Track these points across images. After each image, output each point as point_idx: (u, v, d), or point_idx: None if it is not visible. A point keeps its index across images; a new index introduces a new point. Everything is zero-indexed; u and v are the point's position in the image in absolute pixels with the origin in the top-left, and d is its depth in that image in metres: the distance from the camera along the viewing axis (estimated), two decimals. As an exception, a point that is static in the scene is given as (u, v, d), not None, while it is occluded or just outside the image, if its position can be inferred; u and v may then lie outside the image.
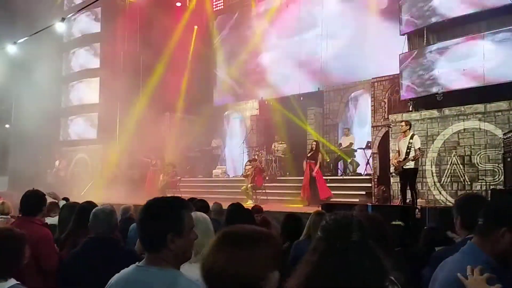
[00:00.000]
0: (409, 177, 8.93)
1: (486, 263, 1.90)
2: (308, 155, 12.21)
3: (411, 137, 8.89)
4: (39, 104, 15.92)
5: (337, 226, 1.68)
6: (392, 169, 9.60)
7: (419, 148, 8.88)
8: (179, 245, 1.86)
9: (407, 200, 9.17)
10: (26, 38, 12.33)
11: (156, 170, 15.44)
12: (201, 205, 4.99)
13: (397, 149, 9.24)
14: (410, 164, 8.83)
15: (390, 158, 9.86)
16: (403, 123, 9.20)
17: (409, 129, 9.12)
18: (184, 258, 1.94)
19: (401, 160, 8.91)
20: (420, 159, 9.19)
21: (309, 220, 4.48)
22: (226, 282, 1.36)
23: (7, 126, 19.09)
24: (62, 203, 5.27)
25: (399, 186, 9.34)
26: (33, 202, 4.16)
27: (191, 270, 1.93)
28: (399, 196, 9.49)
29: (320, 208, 7.59)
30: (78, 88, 18.73)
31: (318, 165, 11.91)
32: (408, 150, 8.78)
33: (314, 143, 12.43)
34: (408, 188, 9.09)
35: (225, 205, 5.34)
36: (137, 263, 1.94)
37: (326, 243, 1.63)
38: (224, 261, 1.38)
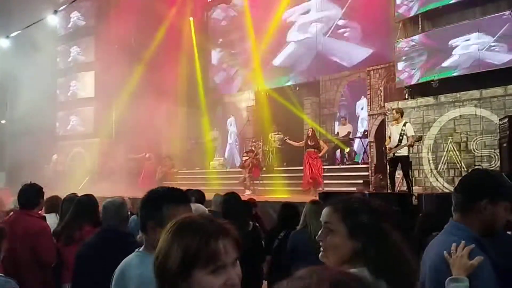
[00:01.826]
0: (402, 165, 8.86)
1: (470, 238, 1.90)
2: (311, 143, 12.02)
3: (404, 125, 8.81)
4: (34, 99, 15.84)
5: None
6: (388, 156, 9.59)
7: (420, 136, 8.86)
8: (160, 234, 1.90)
9: (404, 187, 9.20)
10: (19, 31, 12.24)
11: (151, 164, 15.43)
12: (197, 195, 4.99)
13: (388, 135, 9.12)
14: (402, 152, 8.75)
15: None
16: (394, 111, 9.13)
17: (401, 116, 9.04)
18: None
19: (392, 147, 8.83)
20: (414, 146, 9.18)
21: (304, 210, 4.47)
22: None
23: (3, 121, 19.01)
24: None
25: (388, 172, 9.24)
26: (31, 195, 4.18)
27: None
28: (400, 184, 9.48)
29: (316, 197, 7.61)
30: (73, 82, 18.64)
31: (324, 152, 11.88)
32: (401, 137, 8.71)
33: (310, 130, 12.34)
34: (402, 176, 9.09)
35: (223, 197, 5.36)
36: (137, 250, 2.05)
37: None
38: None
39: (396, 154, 8.77)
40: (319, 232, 1.73)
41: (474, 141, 9.47)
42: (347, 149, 13.40)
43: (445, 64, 10.36)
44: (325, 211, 1.74)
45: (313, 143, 11.85)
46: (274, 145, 14.66)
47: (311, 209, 4.25)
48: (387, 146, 9.03)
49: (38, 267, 3.83)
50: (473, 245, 1.85)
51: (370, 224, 1.65)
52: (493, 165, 9.08)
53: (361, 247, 1.62)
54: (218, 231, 1.26)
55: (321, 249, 1.71)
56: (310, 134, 12.01)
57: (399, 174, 9.30)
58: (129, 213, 3.59)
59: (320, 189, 11.08)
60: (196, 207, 2.98)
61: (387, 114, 10.93)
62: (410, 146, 8.78)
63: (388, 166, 9.30)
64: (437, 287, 1.93)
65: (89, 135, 17.53)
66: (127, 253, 2.08)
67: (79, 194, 4.61)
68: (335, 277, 0.79)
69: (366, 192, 8.77)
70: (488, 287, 1.81)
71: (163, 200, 1.95)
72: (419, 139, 9.10)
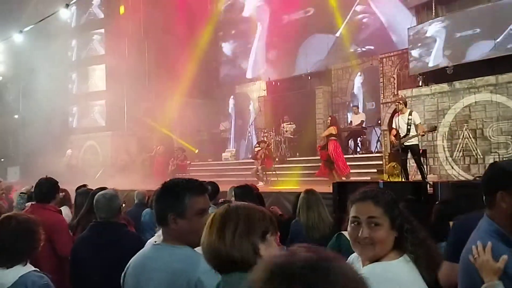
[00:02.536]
0: (413, 154, 8.79)
1: (493, 232, 1.95)
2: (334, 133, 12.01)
3: (410, 114, 8.73)
4: (46, 93, 15.97)
5: None
6: (394, 147, 9.50)
7: (434, 126, 8.75)
8: (182, 226, 1.92)
9: (418, 176, 9.10)
10: (31, 26, 12.30)
11: (162, 156, 15.47)
12: (211, 187, 4.95)
13: (394, 126, 9.04)
14: (413, 141, 8.69)
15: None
16: (397, 102, 9.01)
17: (405, 106, 8.95)
18: (190, 241, 1.93)
19: (401, 137, 8.75)
20: (429, 134, 9.07)
21: (300, 199, 4.44)
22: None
23: (16, 116, 19.19)
24: None
25: (401, 162, 9.16)
26: (46, 189, 4.21)
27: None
28: (415, 172, 9.38)
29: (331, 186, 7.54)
30: (84, 76, 18.74)
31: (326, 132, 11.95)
32: (408, 127, 8.64)
33: (330, 118, 12.29)
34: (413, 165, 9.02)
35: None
36: (154, 242, 2.06)
37: None
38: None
39: (406, 144, 8.68)
40: (363, 229, 1.74)
41: (490, 127, 9.31)
42: (361, 138, 13.29)
43: (459, 49, 10.18)
44: (365, 206, 1.77)
45: (337, 133, 11.91)
46: (286, 135, 14.61)
47: (302, 198, 4.27)
48: (393, 137, 8.91)
49: (55, 259, 3.86)
50: (490, 242, 1.89)
51: (402, 213, 1.78)
52: (510, 151, 8.93)
53: (398, 236, 1.74)
54: None
55: (366, 242, 1.74)
56: (330, 123, 12.08)
57: (413, 163, 9.20)
58: (123, 205, 3.61)
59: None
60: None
61: (400, 102, 10.79)
62: (422, 136, 8.70)
63: (400, 155, 9.22)
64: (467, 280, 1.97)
65: (101, 129, 17.64)
66: (121, 244, 2.10)
67: (93, 188, 4.62)
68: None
69: (381, 181, 8.69)
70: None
71: (185, 192, 1.93)
72: (434, 129, 8.98)
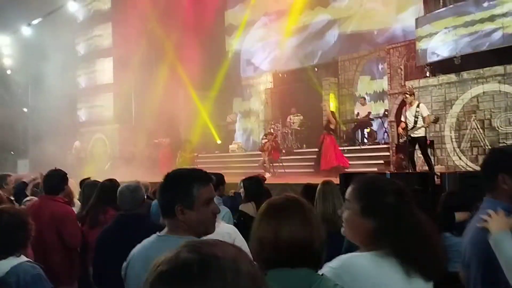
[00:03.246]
0: (420, 146, 8.79)
1: (505, 208, 1.97)
2: (332, 127, 12.26)
3: (418, 106, 8.72)
4: (55, 86, 16.06)
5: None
6: (401, 139, 9.51)
7: (437, 118, 8.74)
8: (190, 217, 1.88)
9: (425, 167, 9.08)
10: (40, 19, 12.35)
11: (167, 148, 15.53)
12: (216, 178, 4.98)
13: (402, 119, 9.07)
14: (420, 133, 8.67)
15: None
16: (406, 95, 8.99)
17: (414, 98, 8.94)
18: (200, 231, 1.93)
19: (409, 129, 8.75)
20: (436, 125, 9.04)
21: (317, 191, 4.40)
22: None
23: (25, 109, 19.33)
24: None
25: (408, 154, 9.17)
26: (55, 181, 4.25)
27: None
28: (423, 163, 9.37)
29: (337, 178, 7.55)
30: (92, 69, 18.81)
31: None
32: (416, 119, 8.62)
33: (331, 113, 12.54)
34: (421, 156, 9.02)
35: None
36: (157, 233, 1.98)
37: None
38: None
39: (412, 135, 8.67)
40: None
41: (498, 118, 9.24)
42: (368, 129, 13.26)
43: (467, 39, 10.09)
44: (348, 189, 1.76)
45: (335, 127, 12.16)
46: (293, 127, 14.61)
47: (319, 190, 4.16)
48: (401, 129, 8.93)
49: (64, 250, 3.92)
50: (500, 208, 1.96)
51: (387, 204, 1.61)
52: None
53: (377, 227, 1.59)
54: None
55: (341, 223, 1.74)
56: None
57: (420, 154, 9.19)
58: (145, 196, 3.61)
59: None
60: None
61: (408, 94, 10.75)
62: (426, 127, 8.69)
63: (408, 147, 9.22)
64: (480, 260, 1.99)
65: (109, 122, 17.73)
66: (145, 235, 2.05)
67: (101, 180, 4.67)
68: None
69: (388, 172, 8.68)
70: None
71: (192, 182, 1.90)
72: (436, 120, 8.97)
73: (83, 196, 4.61)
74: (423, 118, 8.59)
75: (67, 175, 4.43)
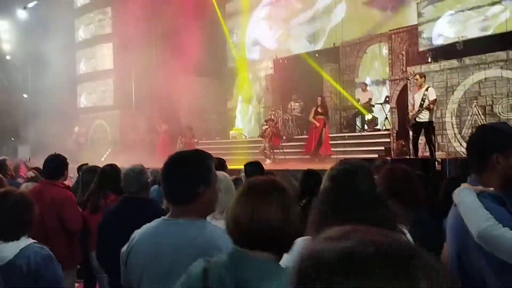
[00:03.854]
0: (425, 131, 8.72)
1: (485, 195, 1.86)
2: (320, 111, 12.31)
3: (426, 89, 8.63)
4: (55, 72, 15.99)
5: (345, 174, 1.70)
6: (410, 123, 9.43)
7: (434, 100, 8.67)
8: (208, 196, 1.87)
9: (426, 153, 9.07)
10: (36, 2, 12.22)
11: (165, 134, 15.49)
12: (218, 163, 4.97)
13: (412, 102, 9.00)
14: (424, 117, 8.60)
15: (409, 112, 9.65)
16: (417, 76, 8.90)
17: (424, 81, 8.86)
18: (211, 210, 1.95)
19: (414, 112, 8.70)
20: (438, 111, 9.01)
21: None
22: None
23: (25, 95, 19.28)
24: None
25: (412, 139, 9.13)
26: (55, 166, 4.25)
27: None
28: (423, 149, 9.35)
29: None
30: (92, 54, 18.71)
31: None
32: (422, 102, 8.54)
33: (320, 98, 12.66)
34: (424, 142, 8.97)
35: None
36: (162, 217, 1.92)
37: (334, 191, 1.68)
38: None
39: (417, 120, 8.61)
40: None
41: (499, 104, 9.21)
42: (370, 116, 13.21)
43: (470, 24, 10.00)
44: None
45: (322, 111, 12.32)
46: (294, 113, 14.58)
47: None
48: (410, 113, 8.85)
49: (65, 235, 3.93)
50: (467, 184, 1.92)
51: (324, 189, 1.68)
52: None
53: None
54: None
55: None
56: (319, 103, 12.40)
57: (421, 140, 9.16)
58: (149, 180, 3.61)
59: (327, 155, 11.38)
60: (218, 174, 2.98)
61: (409, 79, 10.69)
62: (428, 109, 8.58)
63: (411, 132, 9.18)
64: (459, 244, 1.93)
65: (109, 107, 17.69)
66: (150, 218, 2.01)
67: (102, 166, 4.65)
68: (378, 239, 0.66)
69: (388, 158, 8.68)
70: (501, 219, 1.75)
71: (210, 160, 1.92)
72: (433, 102, 8.93)
73: (82, 182, 4.60)
74: (429, 102, 8.51)
75: (67, 160, 4.43)
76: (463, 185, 1.94)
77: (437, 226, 3.15)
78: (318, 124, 12.30)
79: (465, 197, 1.85)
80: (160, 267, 1.80)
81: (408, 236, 1.74)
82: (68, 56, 17.74)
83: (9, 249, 2.33)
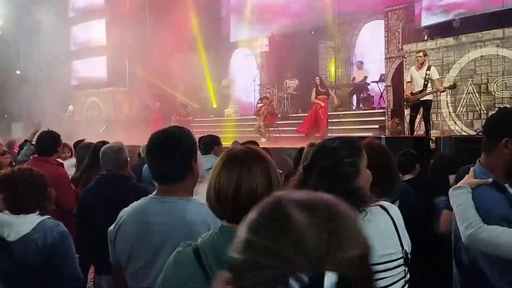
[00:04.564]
0: (424, 109, 8.66)
1: (483, 174, 1.93)
2: (322, 90, 12.17)
3: (428, 69, 8.51)
4: (47, 48, 15.78)
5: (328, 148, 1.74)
6: (406, 102, 9.37)
7: (454, 84, 8.66)
8: (197, 170, 1.87)
9: (420, 132, 9.09)
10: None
11: (158, 112, 15.40)
12: (212, 140, 4.97)
13: (408, 79, 8.84)
14: (429, 96, 8.56)
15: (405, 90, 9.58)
16: (421, 53, 8.69)
17: (426, 59, 8.75)
18: (195, 184, 1.94)
19: (415, 92, 8.56)
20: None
21: (303, 154, 4.39)
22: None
23: (18, 72, 19.06)
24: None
25: (409, 117, 9.09)
26: (48, 142, 4.23)
27: None
28: (418, 128, 9.35)
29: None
30: (84, 30, 18.45)
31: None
32: (426, 82, 8.44)
33: (318, 78, 12.47)
34: (421, 120, 8.96)
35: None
36: (150, 196, 1.90)
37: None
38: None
39: (421, 99, 8.52)
40: None
41: (495, 82, 9.19)
42: (365, 94, 13.18)
43: (466, 1, 9.91)
44: None
45: (324, 90, 12.05)
46: (289, 91, 14.51)
47: (304, 153, 4.13)
48: (408, 92, 8.69)
49: (58, 212, 3.91)
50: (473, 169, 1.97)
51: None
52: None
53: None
54: None
55: None
56: (318, 82, 12.18)
57: (417, 119, 9.16)
58: (128, 158, 3.59)
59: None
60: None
61: (405, 56, 10.63)
62: (442, 92, 8.59)
63: (408, 111, 9.11)
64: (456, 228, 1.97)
65: (103, 84, 17.53)
66: (128, 196, 2.01)
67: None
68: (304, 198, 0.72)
69: (383, 136, 8.69)
70: (489, 216, 1.80)
71: (214, 144, 1.94)
72: (454, 86, 8.84)
73: (77, 158, 4.58)
74: (432, 82, 8.43)
75: (61, 137, 4.40)
76: (462, 181, 1.96)
77: (423, 198, 3.20)
78: (323, 104, 12.17)
79: (455, 198, 1.91)
80: (149, 246, 1.80)
81: (394, 208, 1.74)
82: (60, 32, 17.48)
83: (27, 223, 2.33)
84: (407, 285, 1.69)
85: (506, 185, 1.91)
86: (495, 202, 1.82)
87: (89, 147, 4.48)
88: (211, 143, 4.79)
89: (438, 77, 8.58)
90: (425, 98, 8.50)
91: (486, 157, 2.00)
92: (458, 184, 1.94)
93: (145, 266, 1.80)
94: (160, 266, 1.73)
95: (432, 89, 8.50)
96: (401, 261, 1.65)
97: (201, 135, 5.17)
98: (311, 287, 0.62)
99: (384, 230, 1.64)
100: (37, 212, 2.41)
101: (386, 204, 1.72)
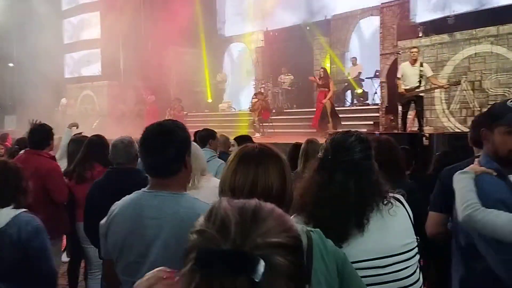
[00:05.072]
0: (416, 105, 8.70)
1: (488, 164, 1.97)
2: (320, 83, 11.91)
3: (421, 65, 8.53)
4: (40, 41, 15.66)
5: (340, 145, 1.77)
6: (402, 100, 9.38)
7: (459, 80, 8.72)
8: (190, 164, 1.87)
9: (414, 128, 9.11)
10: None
11: (152, 106, 15.33)
12: (208, 133, 4.97)
13: (399, 76, 8.85)
14: (421, 93, 8.60)
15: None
16: (415, 49, 8.74)
17: (419, 55, 8.79)
18: (188, 180, 1.95)
19: (411, 88, 8.58)
20: (426, 86, 9.03)
21: (301, 150, 4.36)
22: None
23: (11, 64, 18.91)
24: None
25: (402, 114, 9.12)
26: (40, 136, 4.19)
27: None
28: (411, 124, 9.38)
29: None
30: (79, 23, 18.32)
31: (331, 93, 11.60)
32: (420, 79, 8.48)
33: (322, 70, 12.13)
34: (413, 116, 9.00)
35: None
36: (143, 189, 1.89)
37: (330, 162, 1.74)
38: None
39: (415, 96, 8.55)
40: None
41: (488, 79, 9.22)
42: (360, 90, 13.17)
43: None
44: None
45: (323, 83, 11.73)
46: (283, 86, 14.50)
47: (302, 149, 4.06)
48: (403, 88, 8.68)
49: (51, 205, 3.90)
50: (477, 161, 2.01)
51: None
52: (507, 104, 8.85)
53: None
54: None
55: None
56: (322, 75, 11.84)
57: (410, 114, 9.18)
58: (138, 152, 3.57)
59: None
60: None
61: (400, 53, 10.64)
62: (446, 88, 8.73)
63: (401, 107, 9.13)
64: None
65: (97, 78, 17.43)
66: (138, 189, 2.00)
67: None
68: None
69: (377, 132, 8.71)
70: (486, 198, 1.84)
71: (209, 137, 1.92)
72: (458, 83, 8.84)
73: (68, 152, 4.55)
74: (427, 79, 8.47)
75: (53, 131, 4.37)
76: (467, 168, 2.00)
77: (424, 196, 3.21)
78: (324, 100, 11.94)
79: (458, 182, 1.94)
80: (141, 240, 1.79)
81: (404, 202, 1.82)
82: (54, 25, 17.36)
83: (1, 217, 2.32)
84: (421, 273, 1.78)
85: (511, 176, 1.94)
86: (494, 186, 1.87)
87: (80, 140, 4.45)
88: (206, 136, 4.81)
89: (432, 73, 8.60)
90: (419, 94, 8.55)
91: (485, 152, 2.05)
92: (463, 170, 1.97)
93: (137, 261, 1.79)
94: (152, 260, 1.73)
95: (426, 85, 8.53)
96: (416, 249, 1.76)
97: (196, 130, 5.17)
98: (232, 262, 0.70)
99: (404, 221, 1.76)
100: (12, 206, 2.38)
101: (398, 196, 1.81)
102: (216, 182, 3.21)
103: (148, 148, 1.84)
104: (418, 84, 8.47)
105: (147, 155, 1.86)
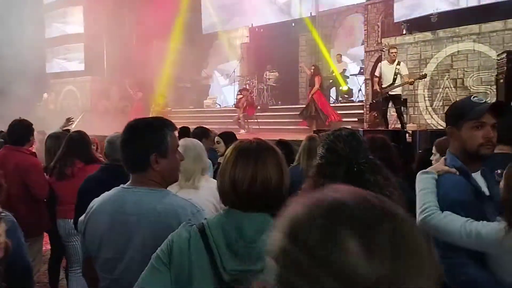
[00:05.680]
0: (395, 103, 8.89)
1: (453, 162, 1.98)
2: (311, 80, 11.93)
3: (398, 64, 8.75)
4: (22, 36, 15.39)
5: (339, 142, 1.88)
6: (377, 97, 9.53)
7: (424, 74, 8.82)
8: (163, 166, 1.85)
9: (393, 126, 9.23)
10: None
11: (140, 102, 15.21)
12: (201, 131, 5.01)
13: (377, 74, 9.01)
14: (397, 91, 8.77)
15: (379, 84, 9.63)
16: (394, 50, 8.94)
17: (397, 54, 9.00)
18: (170, 179, 1.93)
19: (385, 86, 8.78)
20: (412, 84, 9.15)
21: (301, 146, 4.36)
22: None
23: (-9, 59, 18.55)
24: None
25: (381, 111, 9.28)
26: (20, 131, 4.14)
27: (182, 195, 1.95)
28: (395, 121, 9.48)
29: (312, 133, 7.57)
30: (61, 17, 18.04)
31: (314, 89, 11.58)
32: (395, 77, 8.68)
33: (313, 67, 12.14)
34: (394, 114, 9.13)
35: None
36: (121, 186, 1.91)
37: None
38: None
39: (390, 93, 8.74)
40: None
41: (470, 77, 9.34)
42: (345, 87, 13.21)
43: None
44: None
45: (312, 81, 11.78)
46: (269, 83, 14.49)
47: (303, 145, 4.08)
48: (378, 86, 8.88)
49: (31, 202, 3.85)
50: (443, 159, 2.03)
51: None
52: (489, 101, 8.98)
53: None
54: None
55: None
56: (313, 72, 11.87)
57: (393, 112, 9.28)
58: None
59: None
60: (186, 142, 2.93)
61: (384, 50, 10.70)
62: (411, 84, 8.81)
63: (381, 105, 9.27)
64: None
65: (80, 73, 17.21)
66: None
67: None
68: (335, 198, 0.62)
69: (361, 129, 8.76)
70: (444, 200, 1.86)
71: (165, 128, 1.87)
72: (424, 76, 9.01)
73: (45, 148, 4.47)
74: (402, 77, 8.63)
75: (33, 126, 4.30)
76: (430, 167, 2.03)
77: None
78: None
79: (419, 183, 1.97)
80: (119, 236, 1.79)
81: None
82: (35, 19, 17.06)
83: None
84: None
85: (477, 173, 1.95)
86: (453, 186, 1.87)
87: (58, 136, 4.39)
88: (200, 134, 4.86)
89: (407, 72, 8.78)
90: (394, 92, 8.73)
91: (451, 148, 2.05)
92: (425, 170, 2.00)
93: (115, 257, 1.78)
94: (129, 257, 1.73)
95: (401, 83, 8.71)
96: None
97: (180, 126, 5.14)
98: None
99: None
100: None
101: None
102: (215, 182, 3.20)
103: (121, 142, 1.92)
104: (393, 82, 8.65)
105: (120, 149, 1.93)
